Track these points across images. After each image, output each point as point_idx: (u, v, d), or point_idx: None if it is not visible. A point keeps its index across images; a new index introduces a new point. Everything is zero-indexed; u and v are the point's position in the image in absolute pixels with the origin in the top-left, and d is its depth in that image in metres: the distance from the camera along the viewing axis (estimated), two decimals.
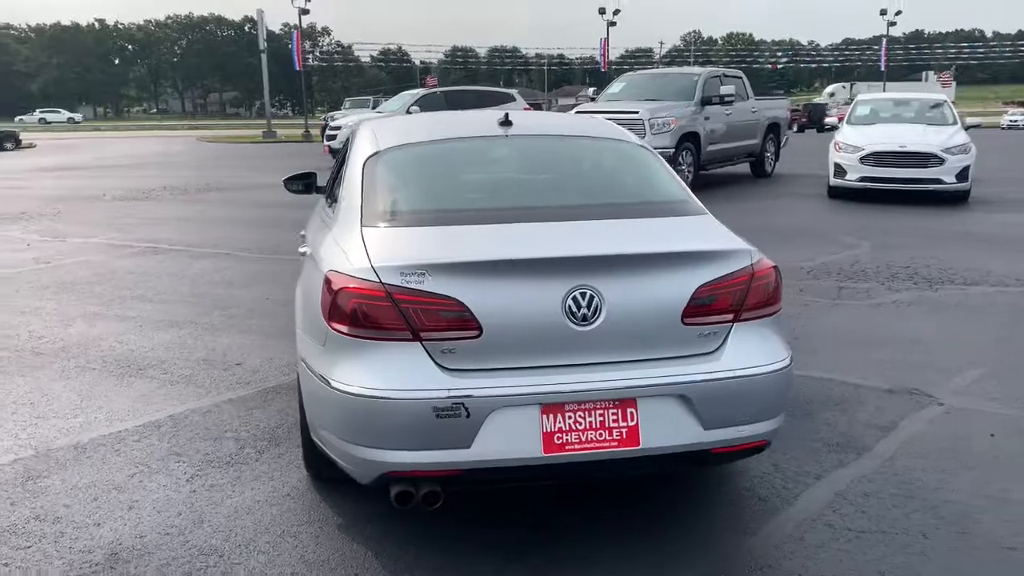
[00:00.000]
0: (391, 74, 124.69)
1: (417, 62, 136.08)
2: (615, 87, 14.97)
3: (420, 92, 21.12)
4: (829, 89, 58.19)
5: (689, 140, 13.20)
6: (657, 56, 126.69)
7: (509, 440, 2.57)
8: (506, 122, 3.64)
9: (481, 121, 3.80)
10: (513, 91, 21.48)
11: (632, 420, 2.64)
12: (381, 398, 2.54)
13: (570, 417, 2.60)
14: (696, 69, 14.87)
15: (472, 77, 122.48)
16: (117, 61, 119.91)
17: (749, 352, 2.78)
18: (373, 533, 3.01)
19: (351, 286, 2.65)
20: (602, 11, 57.13)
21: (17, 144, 37.23)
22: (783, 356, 2.86)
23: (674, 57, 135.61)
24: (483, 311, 2.58)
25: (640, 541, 2.96)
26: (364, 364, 2.62)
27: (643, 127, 12.63)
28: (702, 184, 14.23)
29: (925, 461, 3.57)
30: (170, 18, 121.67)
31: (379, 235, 2.91)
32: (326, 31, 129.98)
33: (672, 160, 12.76)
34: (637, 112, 12.80)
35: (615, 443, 2.62)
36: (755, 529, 3.04)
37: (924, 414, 4.10)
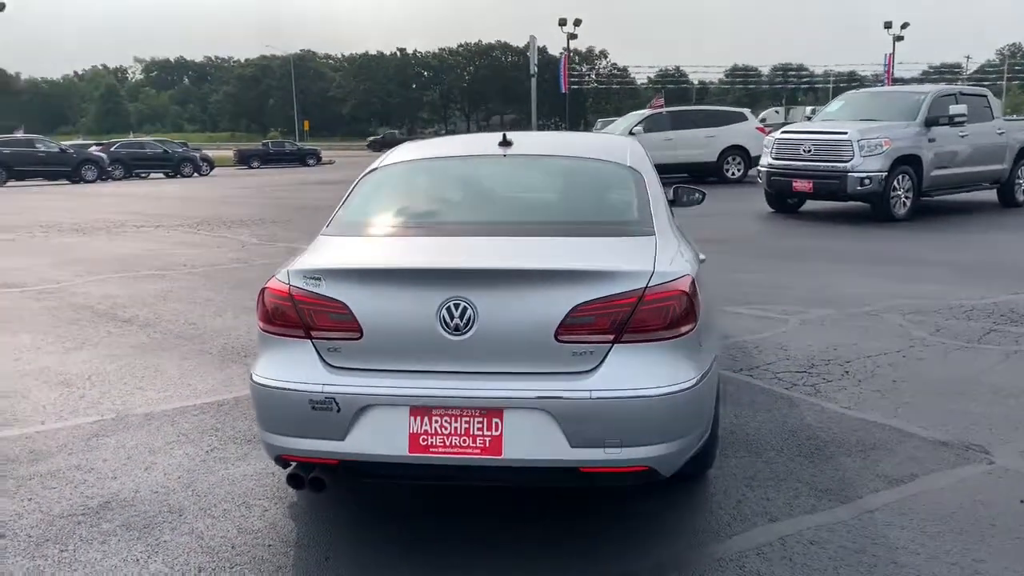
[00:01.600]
0: (666, 94, 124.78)
1: (695, 82, 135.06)
2: (833, 106, 14.13)
3: (645, 113, 21.18)
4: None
5: (908, 163, 12.15)
6: (965, 72, 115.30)
7: (378, 437, 2.78)
8: (505, 143, 3.83)
9: (489, 141, 4.01)
10: (746, 111, 20.84)
11: (496, 430, 2.74)
12: (272, 387, 2.87)
13: (437, 421, 2.76)
14: (926, 87, 13.60)
15: (752, 96, 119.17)
16: (414, 86, 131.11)
17: (629, 374, 2.74)
18: (320, 515, 3.30)
19: (271, 287, 3.02)
20: (888, 25, 53.45)
21: (318, 160, 43.10)
22: (675, 381, 2.78)
23: (987, 73, 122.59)
24: (364, 315, 2.82)
25: (541, 548, 3.02)
26: (269, 357, 2.98)
27: (851, 149, 11.87)
28: (928, 210, 13.06)
29: (911, 520, 3.22)
30: (461, 46, 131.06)
31: (322, 243, 3.27)
32: (603, 54, 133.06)
33: (886, 185, 11.86)
34: (845, 133, 12.04)
35: (478, 451, 2.74)
36: (663, 560, 2.97)
37: (960, 471, 3.66)
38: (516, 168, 3.81)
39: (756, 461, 3.79)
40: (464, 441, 2.74)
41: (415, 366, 2.81)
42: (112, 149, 33.05)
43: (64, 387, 4.97)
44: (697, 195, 5.50)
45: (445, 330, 2.77)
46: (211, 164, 38.16)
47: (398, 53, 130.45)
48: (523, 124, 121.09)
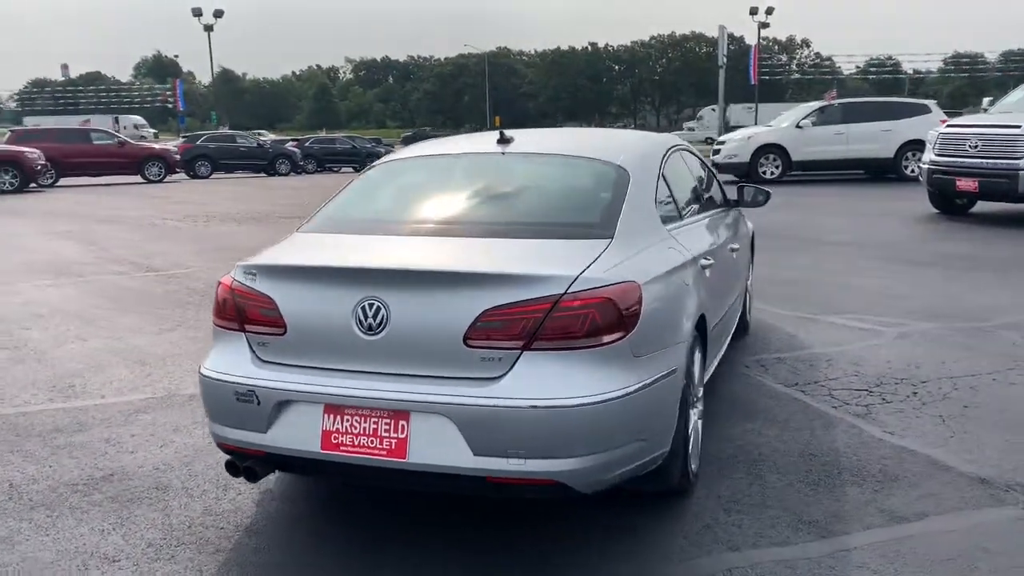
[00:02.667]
0: (875, 85, 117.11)
1: (909, 71, 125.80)
2: (1013, 96, 12.69)
3: (815, 105, 19.96)
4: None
5: None
6: None
7: (295, 432, 2.84)
8: (503, 140, 3.78)
9: (491, 139, 3.95)
10: (930, 102, 19.11)
11: (403, 433, 2.72)
12: (210, 378, 3.01)
13: (348, 420, 2.78)
14: None
15: (976, 86, 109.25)
16: (604, 80, 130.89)
17: (536, 383, 2.64)
18: (290, 511, 3.40)
19: (222, 280, 3.16)
20: None
21: None
22: (590, 392, 2.64)
23: None
24: (289, 311, 2.89)
25: (476, 555, 2.98)
26: (215, 349, 3.13)
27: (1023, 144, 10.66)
28: None
29: (891, 564, 2.87)
30: (654, 38, 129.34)
31: (288, 239, 3.39)
32: (805, 43, 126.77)
33: None
34: (1019, 127, 10.81)
35: (384, 452, 2.73)
36: None
37: (982, 514, 3.23)
38: (498, 167, 3.74)
39: (751, 484, 3.52)
40: (372, 442, 2.74)
41: (332, 364, 2.84)
42: (306, 144, 35.44)
43: (139, 365, 5.42)
44: (761, 196, 5.20)
45: (360, 329, 2.78)
46: None
47: (589, 47, 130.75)
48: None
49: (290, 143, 35.91)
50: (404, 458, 2.70)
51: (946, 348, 5.48)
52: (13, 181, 21.39)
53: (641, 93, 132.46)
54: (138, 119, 66.66)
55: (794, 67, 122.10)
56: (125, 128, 61.29)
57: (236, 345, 3.02)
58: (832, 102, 19.97)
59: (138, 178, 25.87)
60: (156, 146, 28.99)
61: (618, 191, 3.38)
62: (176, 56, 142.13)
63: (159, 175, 26.07)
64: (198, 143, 30.29)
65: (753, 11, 51.89)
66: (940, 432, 4.04)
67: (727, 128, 23.83)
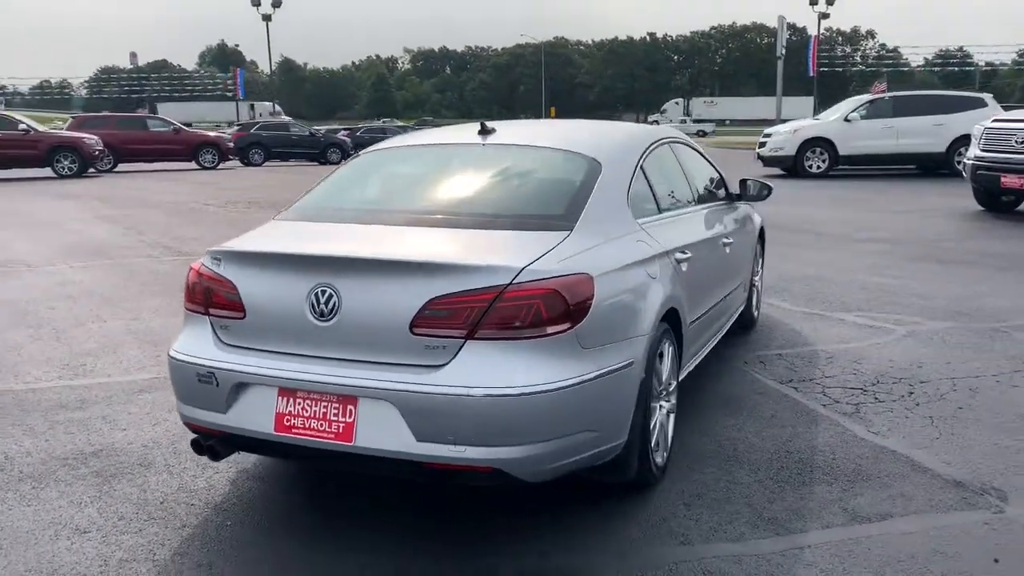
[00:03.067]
0: (944, 78, 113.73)
1: (981, 63, 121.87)
2: None
3: (864, 98, 19.48)
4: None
5: None
6: None
7: (251, 413, 2.93)
8: (484, 131, 3.82)
9: (475, 130, 3.98)
10: (986, 96, 18.50)
11: (350, 417, 2.78)
12: (176, 359, 3.11)
13: (300, 403, 2.85)
14: None
15: None
16: (662, 71, 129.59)
17: (477, 372, 2.67)
18: (263, 491, 3.48)
19: (192, 265, 3.26)
20: None
21: None
22: (531, 382, 2.67)
23: None
24: (248, 295, 2.98)
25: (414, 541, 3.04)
26: (182, 331, 3.23)
27: None
28: None
29: (840, 563, 2.84)
30: (714, 28, 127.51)
31: (264, 225, 3.48)
32: (870, 34, 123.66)
33: None
34: None
35: (332, 436, 2.80)
36: (512, 554, 2.87)
37: (950, 516, 3.17)
38: (474, 158, 3.76)
39: (719, 479, 3.51)
40: (321, 425, 2.81)
41: (287, 348, 2.92)
42: (357, 134, 35.86)
43: (151, 345, 5.60)
44: (765, 191, 5.17)
45: (313, 315, 2.85)
46: None
47: (647, 37, 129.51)
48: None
49: (342, 132, 36.36)
50: (351, 442, 2.77)
51: (955, 348, 5.35)
52: (72, 166, 22.14)
53: (700, 84, 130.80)
54: (269, 105, 67.94)
55: (858, 59, 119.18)
56: (261, 115, 62.65)
57: (201, 328, 3.12)
58: (882, 95, 19.47)
59: (193, 164, 26.54)
60: (211, 134, 29.64)
61: (587, 183, 3.39)
62: (237, 45, 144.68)
63: (213, 162, 26.69)
64: (252, 131, 30.91)
65: (813, 1, 50.75)
66: (927, 433, 3.97)
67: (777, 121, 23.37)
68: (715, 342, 4.64)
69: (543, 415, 2.70)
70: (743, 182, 5.19)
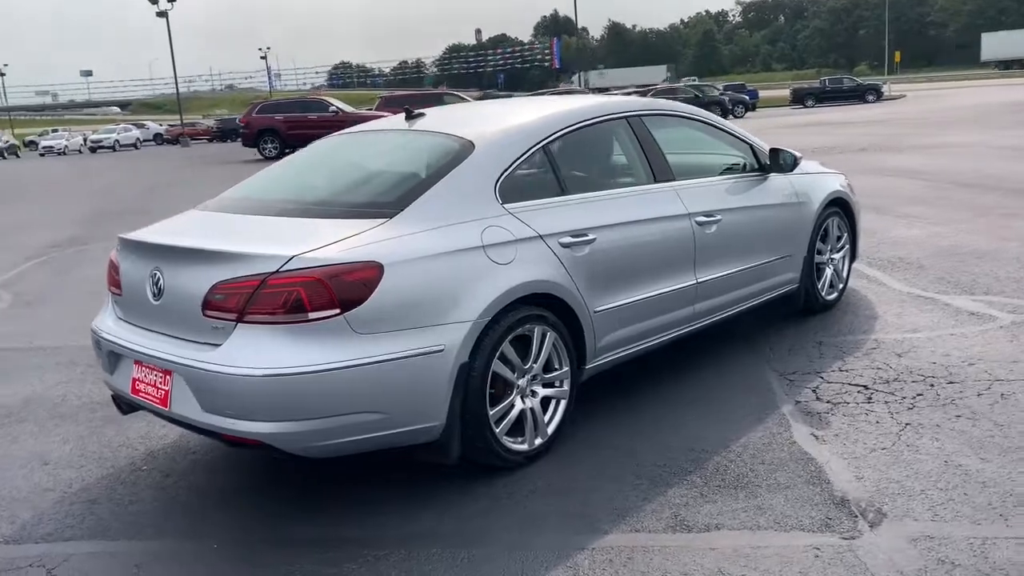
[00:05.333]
0: None
1: None
2: None
3: None
4: None
5: None
6: None
7: (121, 377, 3.45)
8: (411, 117, 4.01)
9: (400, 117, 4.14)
10: None
11: (167, 386, 3.19)
12: (91, 330, 3.74)
13: (143, 371, 3.32)
14: None
15: None
16: None
17: (243, 353, 2.94)
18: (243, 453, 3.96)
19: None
20: None
21: (878, 96, 41.73)
22: (290, 363, 2.88)
23: None
24: (123, 276, 3.51)
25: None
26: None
27: None
28: None
29: (605, 569, 2.73)
30: None
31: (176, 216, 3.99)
32: None
33: None
34: None
35: (158, 401, 3.23)
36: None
37: (787, 537, 2.82)
38: (376, 147, 3.94)
39: (579, 473, 3.39)
40: (153, 391, 3.25)
41: (140, 323, 3.40)
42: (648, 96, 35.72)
43: None
44: (789, 157, 4.75)
45: (152, 295, 3.29)
46: (747, 106, 38.69)
47: None
48: None
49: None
50: (167, 407, 3.18)
51: None
52: (273, 148, 25.17)
53: None
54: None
55: None
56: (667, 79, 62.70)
57: (109, 304, 3.72)
58: None
59: None
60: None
61: (443, 169, 3.44)
62: (564, 16, 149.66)
63: None
64: None
65: None
66: (877, 443, 3.46)
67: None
68: (698, 326, 4.34)
69: (304, 395, 2.90)
70: (774, 152, 4.74)
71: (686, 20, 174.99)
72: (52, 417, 4.46)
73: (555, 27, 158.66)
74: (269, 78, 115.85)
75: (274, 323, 2.93)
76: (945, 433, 3.50)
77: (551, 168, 3.73)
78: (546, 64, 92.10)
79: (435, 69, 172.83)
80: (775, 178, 4.81)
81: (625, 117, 4.15)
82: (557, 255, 3.50)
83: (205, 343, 3.07)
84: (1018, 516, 2.84)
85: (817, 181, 5.17)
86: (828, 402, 3.92)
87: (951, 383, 4.02)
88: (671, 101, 4.68)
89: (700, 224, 4.19)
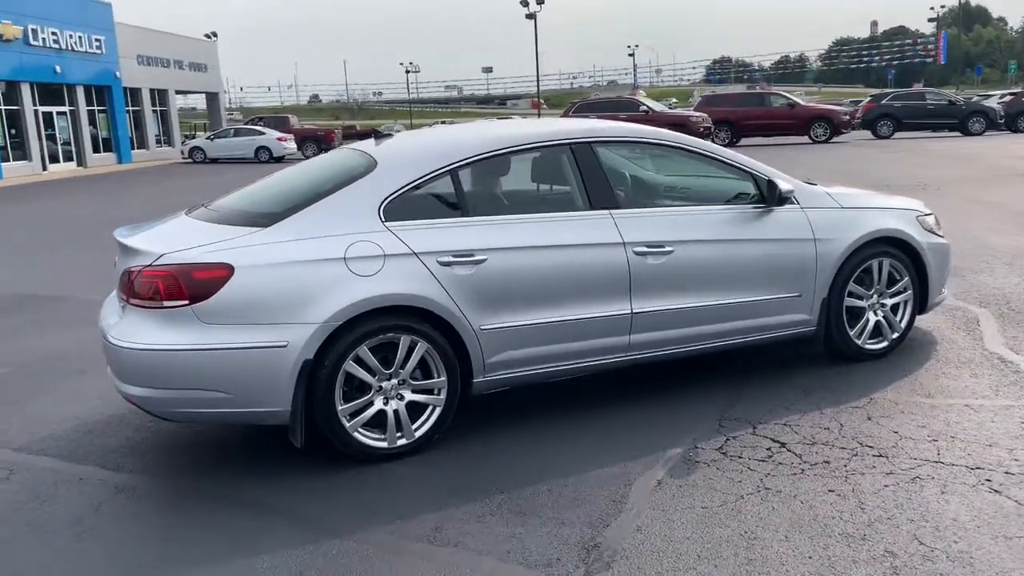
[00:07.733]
0: None
1: None
2: None
3: None
4: None
5: None
6: None
7: None
8: (379, 137, 4.47)
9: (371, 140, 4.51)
10: None
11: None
12: None
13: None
14: None
15: None
16: None
17: (124, 330, 3.66)
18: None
19: None
20: None
21: None
22: (147, 342, 3.52)
23: None
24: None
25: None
26: None
27: None
28: None
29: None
30: None
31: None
32: None
33: None
34: None
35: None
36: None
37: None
38: (338, 163, 4.34)
39: (441, 478, 3.65)
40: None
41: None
42: (1000, 100, 30.95)
43: None
44: (778, 191, 4.48)
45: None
46: None
47: None
48: None
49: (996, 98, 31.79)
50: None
51: None
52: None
53: None
54: None
55: None
56: None
57: None
58: None
59: (805, 139, 26.94)
60: (823, 107, 29.60)
61: (342, 184, 3.88)
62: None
63: (824, 135, 26.74)
64: (883, 102, 29.57)
65: None
66: (693, 505, 3.24)
67: None
68: (641, 357, 4.23)
69: (157, 368, 3.55)
70: (770, 185, 4.40)
71: None
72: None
73: (965, 18, 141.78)
74: (634, 75, 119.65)
75: (143, 307, 3.61)
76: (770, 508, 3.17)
77: (456, 191, 3.95)
78: (928, 60, 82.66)
79: (818, 63, 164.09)
80: (781, 211, 4.45)
81: (569, 145, 4.19)
82: (432, 272, 3.73)
83: (117, 321, 3.84)
84: None
85: (858, 217, 4.64)
86: (723, 454, 3.67)
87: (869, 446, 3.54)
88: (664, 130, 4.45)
89: (639, 254, 4.09)
